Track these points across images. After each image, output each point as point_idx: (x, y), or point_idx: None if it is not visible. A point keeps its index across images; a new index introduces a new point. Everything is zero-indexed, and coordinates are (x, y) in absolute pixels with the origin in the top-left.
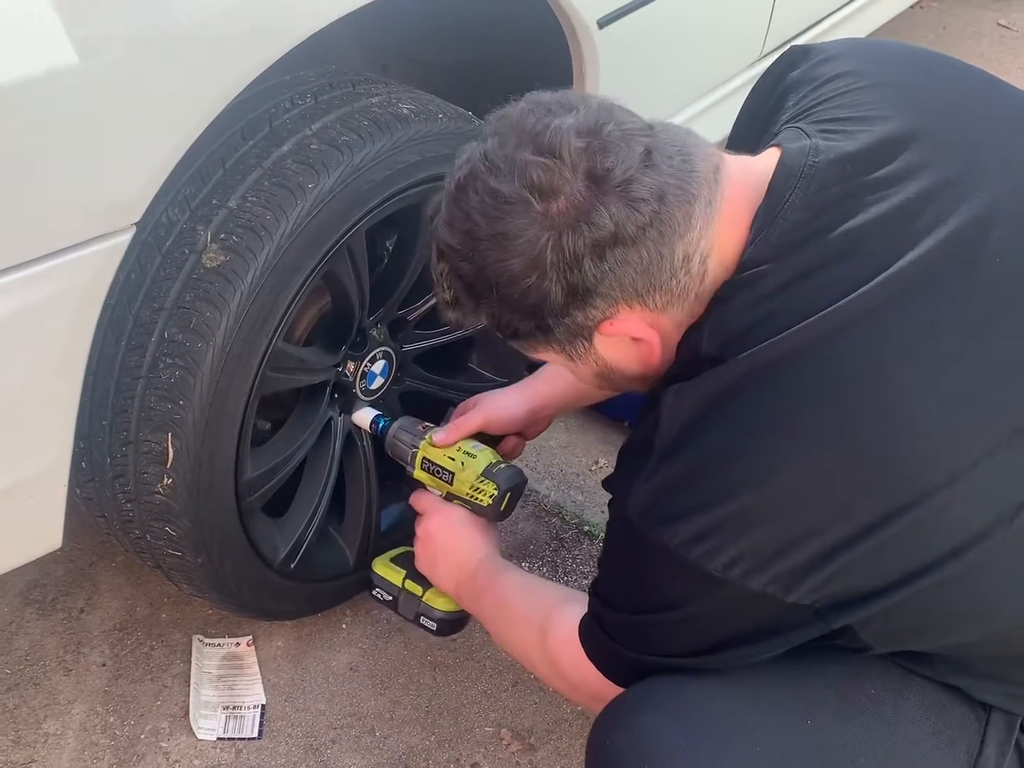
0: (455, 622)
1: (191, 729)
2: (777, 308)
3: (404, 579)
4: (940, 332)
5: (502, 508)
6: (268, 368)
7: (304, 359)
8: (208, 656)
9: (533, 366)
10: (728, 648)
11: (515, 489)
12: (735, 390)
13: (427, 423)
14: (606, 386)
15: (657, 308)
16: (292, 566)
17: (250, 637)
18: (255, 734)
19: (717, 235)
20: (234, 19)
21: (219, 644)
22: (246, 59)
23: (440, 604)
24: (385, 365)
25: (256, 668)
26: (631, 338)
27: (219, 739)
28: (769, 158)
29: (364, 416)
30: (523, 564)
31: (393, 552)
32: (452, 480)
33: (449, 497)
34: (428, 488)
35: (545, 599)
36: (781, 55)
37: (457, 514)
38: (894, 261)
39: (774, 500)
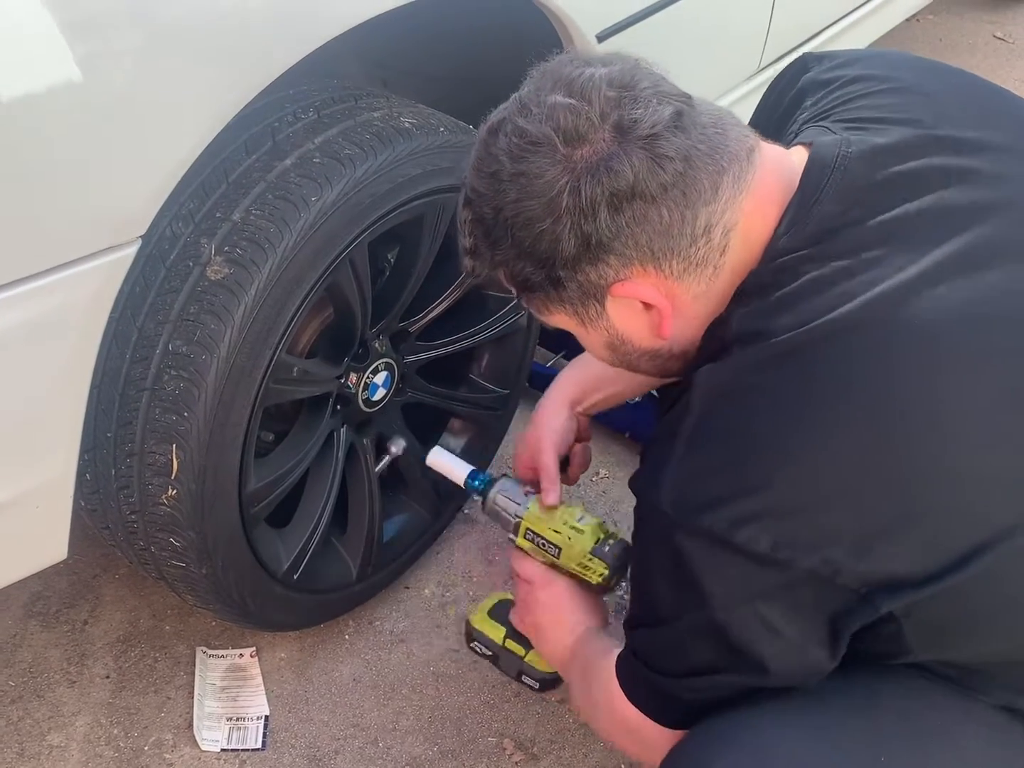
0: (556, 681)
1: (195, 741)
2: (811, 294)
3: (505, 638)
4: (984, 325)
5: (611, 585)
6: (271, 380)
7: (307, 371)
8: (212, 667)
9: (533, 378)
10: (776, 649)
11: (624, 566)
12: (771, 371)
13: (529, 487)
14: (617, 362)
15: (673, 275)
16: (295, 577)
17: (253, 648)
18: (259, 745)
19: (743, 212)
20: (238, 35)
21: (223, 655)
22: (250, 74)
23: (542, 665)
24: (387, 376)
25: (259, 679)
26: (643, 304)
27: (223, 750)
28: (799, 152)
29: (454, 469)
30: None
31: (488, 603)
32: (559, 555)
33: (554, 567)
34: (531, 555)
35: (603, 645)
36: (793, 60)
37: (567, 585)
38: (931, 253)
39: (819, 479)
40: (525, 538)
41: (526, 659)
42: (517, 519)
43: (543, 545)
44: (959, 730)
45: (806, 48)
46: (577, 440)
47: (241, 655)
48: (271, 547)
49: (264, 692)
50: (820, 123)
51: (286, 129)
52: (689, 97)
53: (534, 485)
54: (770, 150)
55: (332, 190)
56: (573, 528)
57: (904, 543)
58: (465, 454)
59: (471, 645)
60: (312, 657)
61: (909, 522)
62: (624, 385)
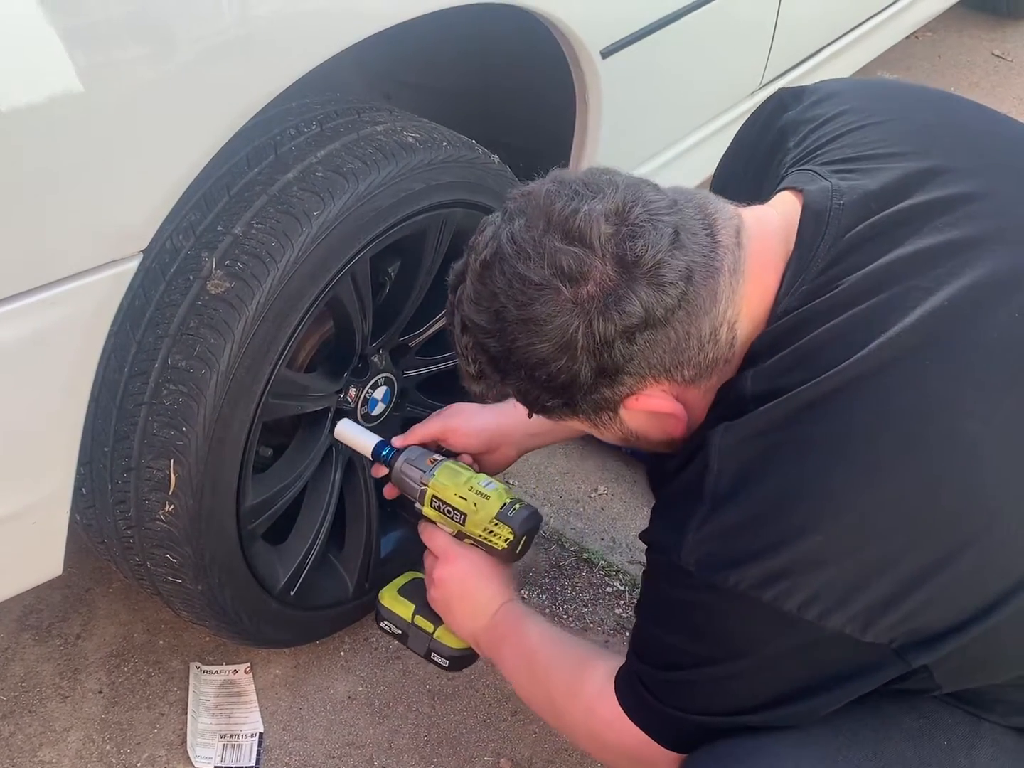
0: (467, 658)
1: (188, 757)
2: (822, 347)
3: (414, 614)
4: (995, 357)
5: (516, 551)
6: (271, 395)
7: (306, 386)
8: (205, 683)
9: None
10: (798, 699)
11: (531, 532)
12: (790, 426)
13: (435, 455)
14: (629, 446)
15: (685, 381)
16: (292, 594)
17: (248, 664)
18: (252, 763)
19: (744, 298)
20: (242, 49)
21: (217, 671)
22: (253, 87)
23: (452, 641)
24: (387, 391)
25: (254, 696)
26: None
27: None
28: (786, 204)
29: (362, 442)
30: (522, 592)
31: (399, 581)
32: (464, 521)
33: (460, 535)
34: (438, 524)
35: (574, 652)
36: (767, 99)
37: (472, 559)
38: (936, 291)
39: (845, 535)
40: (431, 506)
41: (435, 635)
42: (423, 486)
43: (449, 512)
44: (968, 753)
45: (808, 65)
46: (474, 457)
47: (235, 671)
48: (268, 563)
49: (258, 709)
50: (806, 166)
51: (289, 142)
52: (675, 203)
53: (442, 452)
54: (754, 219)
55: (334, 204)
56: (479, 493)
57: (937, 588)
58: None
59: (380, 624)
60: (307, 674)
61: (941, 565)
62: (551, 427)
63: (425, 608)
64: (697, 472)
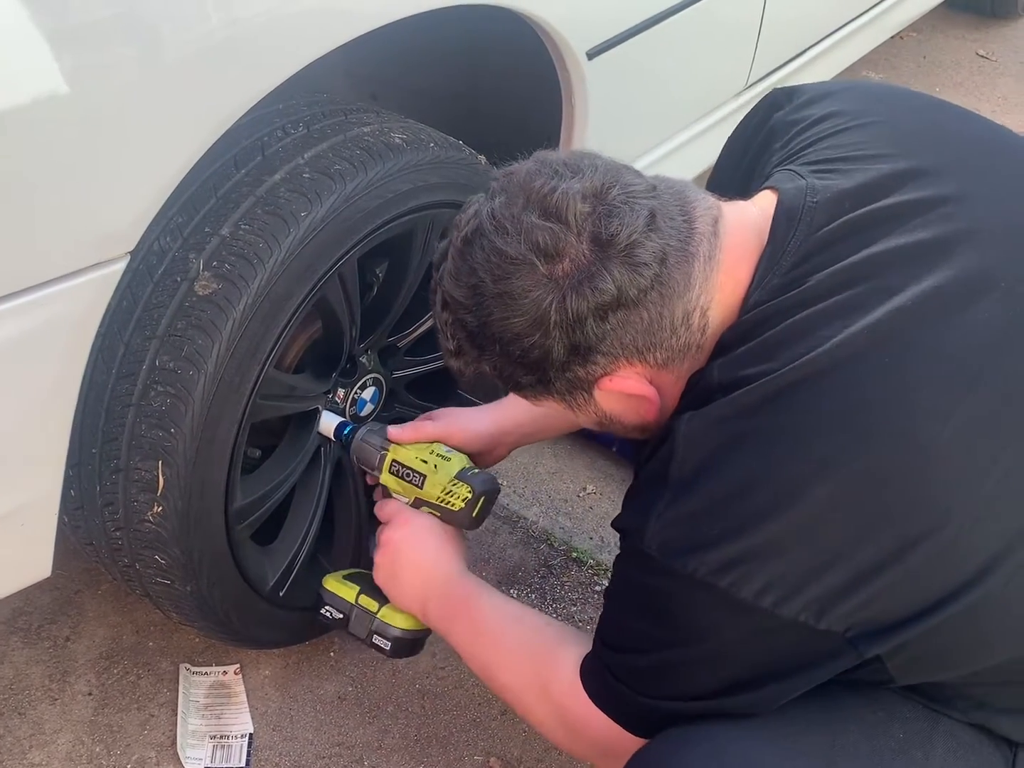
0: (413, 642)
1: (178, 759)
2: (787, 340)
3: (358, 595)
4: (955, 358)
5: (475, 514)
6: (259, 396)
7: (294, 386)
8: (195, 685)
9: None
10: (756, 686)
11: (489, 495)
12: (753, 416)
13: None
14: (605, 430)
15: (657, 364)
16: (281, 594)
17: (237, 665)
18: (243, 764)
19: (717, 286)
20: (229, 51)
21: (206, 672)
22: (241, 90)
23: (397, 621)
24: (375, 392)
25: (243, 697)
26: (628, 394)
27: None
28: (765, 201)
29: (328, 423)
30: (511, 591)
31: (348, 570)
32: (423, 483)
33: (417, 504)
34: (395, 495)
35: (538, 636)
36: (763, 98)
37: (425, 521)
38: (903, 290)
39: (801, 524)
40: (390, 472)
41: (379, 614)
42: (383, 451)
43: (408, 476)
44: (924, 748)
45: (794, 66)
46: (474, 457)
47: (225, 672)
48: (257, 564)
49: (248, 710)
50: (788, 166)
51: (276, 144)
52: (654, 188)
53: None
54: (733, 212)
55: (322, 205)
56: (440, 456)
57: (889, 581)
58: None
59: (321, 612)
60: (297, 674)
61: (893, 559)
62: (558, 428)
63: (370, 588)
64: (663, 459)
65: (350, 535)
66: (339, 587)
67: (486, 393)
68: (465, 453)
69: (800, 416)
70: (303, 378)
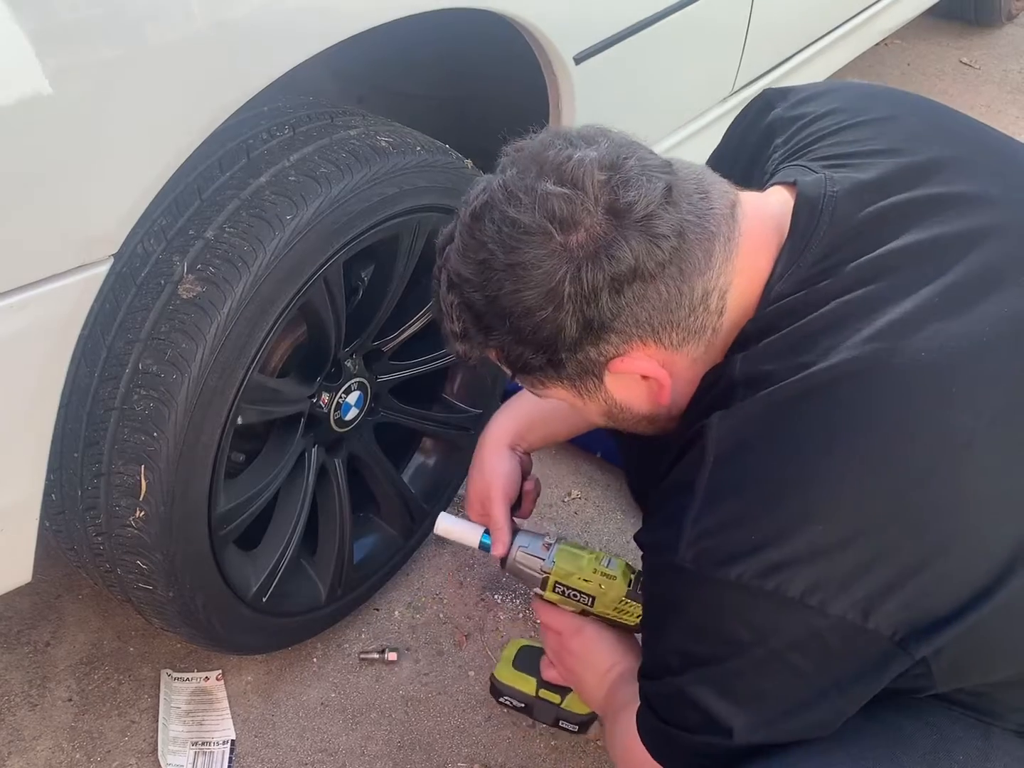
0: (594, 717)
1: (159, 765)
2: (813, 334)
3: (538, 688)
4: (985, 350)
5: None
6: (243, 400)
7: (279, 390)
8: (177, 691)
9: (507, 398)
10: (809, 704)
11: None
12: (787, 413)
13: (547, 538)
14: (613, 425)
15: (672, 346)
16: (264, 600)
17: (219, 671)
18: None
19: (736, 270)
20: (214, 52)
21: (188, 678)
22: (226, 92)
23: (579, 708)
24: (360, 396)
25: (225, 703)
26: (641, 376)
27: None
28: (780, 194)
29: (466, 533)
30: (495, 596)
31: (510, 652)
32: (593, 603)
33: (585, 613)
34: (558, 605)
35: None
36: (755, 98)
37: (595, 631)
38: (931, 283)
39: (841, 524)
40: (554, 591)
41: (563, 705)
42: (544, 574)
43: (575, 596)
44: (983, 764)
45: (780, 72)
46: (523, 476)
47: (207, 678)
48: (240, 569)
49: (230, 716)
50: (797, 162)
51: (261, 146)
52: (670, 164)
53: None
54: (749, 199)
55: (307, 208)
56: (604, 575)
57: (932, 576)
58: (438, 472)
59: (500, 700)
60: (279, 680)
61: (935, 553)
62: (561, 424)
63: (545, 681)
64: (692, 464)
65: (334, 540)
66: (516, 680)
67: (471, 397)
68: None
69: (834, 416)
70: (288, 382)
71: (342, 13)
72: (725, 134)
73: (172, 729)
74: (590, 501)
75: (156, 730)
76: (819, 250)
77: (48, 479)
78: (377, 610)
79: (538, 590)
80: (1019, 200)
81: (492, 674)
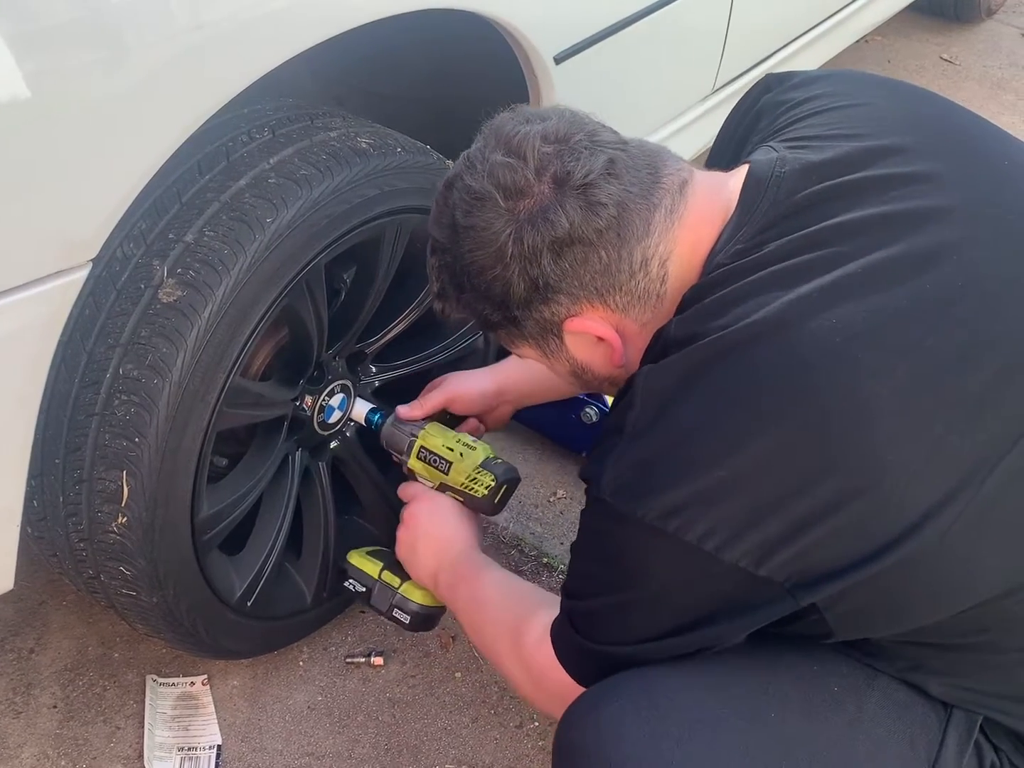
0: (429, 617)
1: None
2: (739, 299)
3: (381, 570)
4: (899, 322)
5: (496, 500)
6: (225, 404)
7: (261, 394)
8: (162, 696)
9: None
10: (696, 628)
11: (510, 483)
12: (704, 369)
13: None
14: (581, 386)
15: (619, 308)
16: (249, 604)
17: (205, 676)
18: None
19: (677, 240)
20: (193, 54)
21: (173, 684)
22: (205, 94)
23: (417, 596)
24: (343, 399)
25: (211, 708)
26: (596, 337)
27: None
28: (739, 172)
29: (359, 410)
30: None
31: (371, 548)
32: (449, 469)
33: (442, 489)
34: (420, 479)
35: (522, 600)
36: (757, 82)
37: (446, 502)
38: (857, 258)
39: (743, 473)
40: (418, 457)
41: (400, 589)
42: (412, 437)
43: (435, 462)
44: (857, 702)
45: (759, 71)
46: (479, 418)
47: (192, 683)
48: (224, 574)
49: (216, 721)
50: (768, 143)
51: (241, 149)
52: (625, 143)
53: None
54: (706, 178)
55: (288, 211)
56: (466, 445)
57: (825, 531)
58: None
59: (345, 583)
60: (265, 685)
61: (831, 511)
62: (538, 385)
63: (393, 565)
64: (621, 410)
65: (319, 543)
66: (363, 562)
67: None
68: (471, 415)
69: (747, 371)
70: (270, 386)
71: (322, 14)
72: (728, 115)
73: (158, 735)
74: (576, 501)
75: (142, 736)
76: (759, 223)
77: (29, 485)
78: (363, 613)
79: (404, 457)
80: (978, 186)
81: (345, 557)
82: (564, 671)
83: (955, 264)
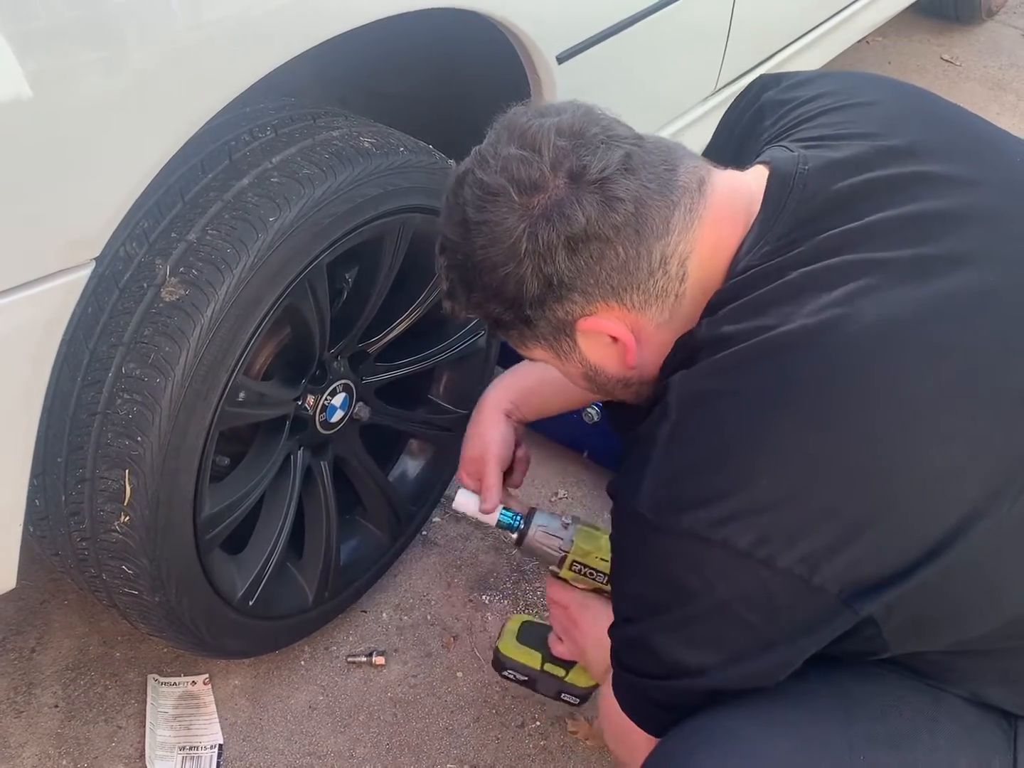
0: (592, 690)
1: None
2: (774, 300)
3: (543, 662)
4: (938, 323)
5: None
6: (227, 403)
7: (264, 393)
8: (164, 695)
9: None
10: (755, 653)
11: None
12: (744, 374)
13: (565, 517)
14: (594, 389)
15: (635, 307)
16: (251, 604)
17: (206, 675)
18: None
19: (698, 239)
20: (196, 54)
21: (175, 683)
22: (208, 93)
23: (583, 681)
24: (345, 398)
25: (213, 707)
26: (610, 337)
27: None
28: (758, 172)
29: (485, 516)
30: (483, 597)
31: (512, 627)
32: (607, 581)
33: (598, 591)
34: (570, 583)
35: None
36: (752, 81)
37: (601, 606)
38: (892, 260)
39: (790, 481)
40: (571, 569)
41: (567, 679)
42: (563, 553)
43: (591, 574)
44: (931, 727)
45: (762, 69)
46: (516, 444)
47: (194, 682)
48: (226, 573)
49: (218, 720)
50: (780, 143)
51: (243, 148)
52: (640, 138)
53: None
54: (723, 176)
55: (291, 210)
56: None
57: (876, 537)
58: (425, 473)
59: (503, 674)
60: (267, 684)
61: (881, 515)
62: (555, 396)
63: (550, 655)
64: (655, 419)
65: (320, 542)
66: (520, 654)
67: (457, 398)
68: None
69: (789, 377)
70: (272, 385)
71: (324, 13)
72: (723, 116)
73: (159, 734)
74: (577, 501)
75: (143, 735)
76: (787, 224)
77: (32, 484)
78: (365, 612)
79: (554, 568)
80: (996, 185)
81: (496, 647)
82: (633, 726)
83: (989, 262)
